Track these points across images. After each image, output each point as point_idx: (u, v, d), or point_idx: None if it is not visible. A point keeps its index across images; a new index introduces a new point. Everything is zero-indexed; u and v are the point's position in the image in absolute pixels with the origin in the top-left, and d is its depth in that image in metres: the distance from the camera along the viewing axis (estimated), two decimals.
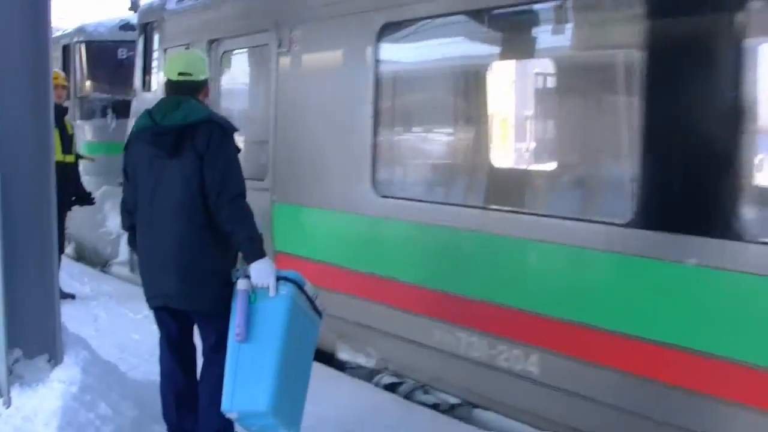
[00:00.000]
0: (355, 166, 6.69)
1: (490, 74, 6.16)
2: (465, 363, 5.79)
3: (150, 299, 5.02)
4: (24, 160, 5.39)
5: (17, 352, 5.39)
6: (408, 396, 6.38)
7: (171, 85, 4.98)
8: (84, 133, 11.94)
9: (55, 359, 5.48)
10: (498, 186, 6.30)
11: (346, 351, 6.99)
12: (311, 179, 7.28)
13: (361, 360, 6.82)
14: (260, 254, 4.74)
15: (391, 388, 6.50)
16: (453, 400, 6.18)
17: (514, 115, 6.87)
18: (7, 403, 5.31)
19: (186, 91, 4.93)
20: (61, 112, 9.28)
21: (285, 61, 7.57)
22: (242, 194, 4.79)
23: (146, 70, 10.05)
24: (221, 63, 8.48)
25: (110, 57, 12.37)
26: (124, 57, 12.18)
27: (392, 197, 6.43)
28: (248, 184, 7.27)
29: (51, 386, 5.28)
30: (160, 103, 4.98)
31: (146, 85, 10.18)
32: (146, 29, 9.94)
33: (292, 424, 4.86)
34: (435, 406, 6.20)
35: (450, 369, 5.96)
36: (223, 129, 4.83)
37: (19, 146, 5.37)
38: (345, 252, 6.91)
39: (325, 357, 6.84)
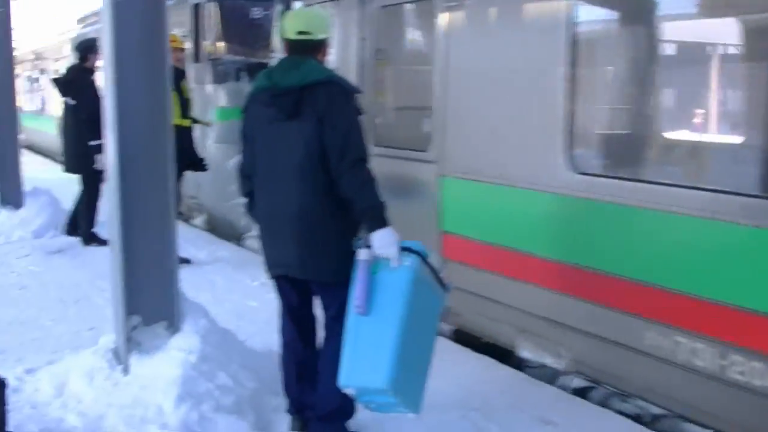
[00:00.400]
0: (545, 138, 5.79)
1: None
2: (685, 373, 4.98)
3: (270, 268, 4.85)
4: (141, 124, 5.29)
5: (136, 319, 5.34)
6: (604, 404, 5.71)
7: (289, 45, 4.78)
8: (216, 97, 11.47)
9: (173, 327, 5.40)
10: (737, 166, 5.42)
11: (528, 349, 6.19)
12: (489, 150, 6.34)
13: (548, 360, 6.03)
14: (382, 223, 4.52)
15: (581, 392, 5.87)
16: (656, 410, 5.40)
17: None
18: (126, 370, 5.25)
19: (305, 50, 4.72)
20: (178, 75, 9.24)
21: (456, 16, 6.58)
22: (364, 159, 4.59)
23: None
24: (376, 20, 7.53)
25: (244, 17, 11.67)
26: (260, 17, 11.58)
27: (592, 174, 5.55)
28: (405, 155, 7.13)
29: (170, 354, 5.19)
30: (279, 64, 4.80)
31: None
32: None
33: (413, 402, 4.63)
34: (637, 417, 5.50)
35: (665, 378, 5.14)
36: (345, 90, 4.63)
37: (136, 110, 5.27)
38: (530, 236, 5.99)
39: (500, 352, 6.42)
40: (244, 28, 11.58)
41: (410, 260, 4.53)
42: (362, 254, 4.54)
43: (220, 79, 11.38)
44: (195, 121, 10.08)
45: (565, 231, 5.72)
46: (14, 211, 11.54)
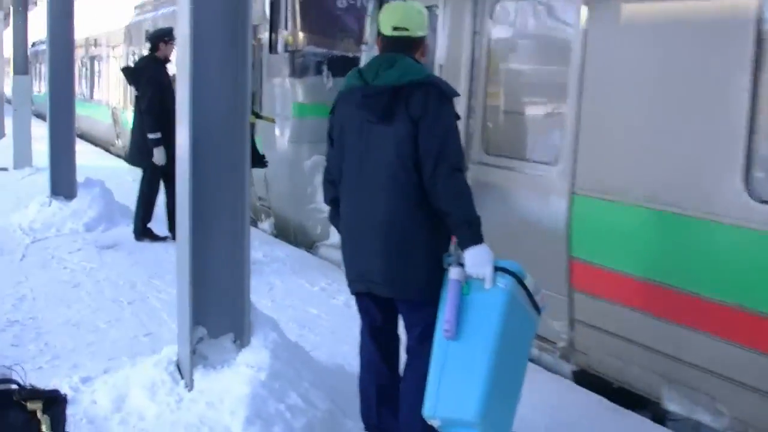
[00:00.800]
0: (717, 156, 4.87)
1: None
2: None
3: (352, 283, 4.48)
4: (217, 117, 4.93)
5: (201, 331, 5.00)
6: None
7: (385, 41, 4.42)
8: (294, 92, 10.64)
9: (241, 340, 5.05)
10: None
11: (677, 402, 5.28)
12: (639, 167, 5.35)
13: (704, 417, 5.11)
14: (477, 239, 4.16)
15: None
16: None
17: None
18: (189, 386, 4.91)
19: (401, 47, 4.35)
20: None
21: (598, 13, 5.67)
22: (460, 168, 4.23)
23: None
24: (492, 15, 6.64)
25: (327, 6, 10.82)
26: (344, 6, 10.75)
27: None
28: (523, 167, 6.23)
29: (237, 370, 4.84)
30: (372, 61, 4.45)
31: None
32: None
33: None
34: None
35: None
36: (442, 92, 4.25)
37: (212, 101, 4.91)
38: (690, 271, 5.05)
39: (641, 402, 5.65)
40: (328, 18, 10.81)
41: (505, 281, 4.18)
42: (453, 273, 4.20)
43: (298, 72, 10.60)
44: (258, 116, 9.70)
45: (738, 269, 4.81)
46: (66, 202, 11.28)
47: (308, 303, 7.82)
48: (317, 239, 10.24)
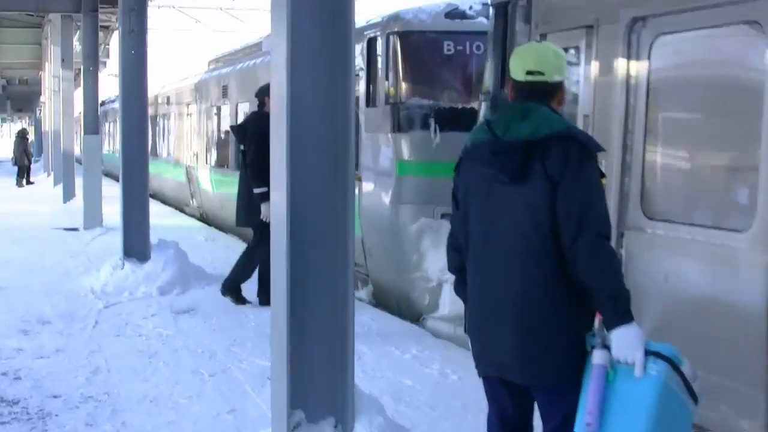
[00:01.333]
0: None
1: None
2: None
3: (480, 365, 3.90)
4: (317, 180, 4.41)
5: (299, 415, 4.44)
6: None
7: (517, 87, 3.87)
8: (397, 149, 9.71)
9: (344, 425, 4.47)
10: None
11: None
12: None
13: None
14: (626, 317, 3.55)
15: None
16: None
17: None
18: None
19: (536, 95, 3.79)
20: None
21: None
22: (606, 235, 3.64)
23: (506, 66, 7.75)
24: (650, 51, 5.62)
25: (434, 52, 9.71)
26: (451, 53, 9.60)
27: None
28: (699, 234, 5.02)
29: None
30: (503, 112, 3.93)
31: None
32: (505, 10, 7.14)
33: None
34: None
35: None
36: (585, 147, 3.67)
37: (312, 164, 4.39)
38: None
39: None
40: (434, 66, 9.82)
41: (658, 368, 3.57)
42: (597, 356, 3.60)
43: (402, 127, 9.63)
44: None
45: None
46: (139, 264, 10.85)
47: (401, 373, 7.19)
48: (425, 311, 9.24)
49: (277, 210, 4.44)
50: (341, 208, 4.46)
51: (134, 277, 10.63)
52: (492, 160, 3.68)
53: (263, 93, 9.58)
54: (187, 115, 19.42)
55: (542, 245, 3.61)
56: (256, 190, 9.21)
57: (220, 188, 16.63)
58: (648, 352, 3.57)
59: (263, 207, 9.08)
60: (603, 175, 3.74)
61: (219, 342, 8.10)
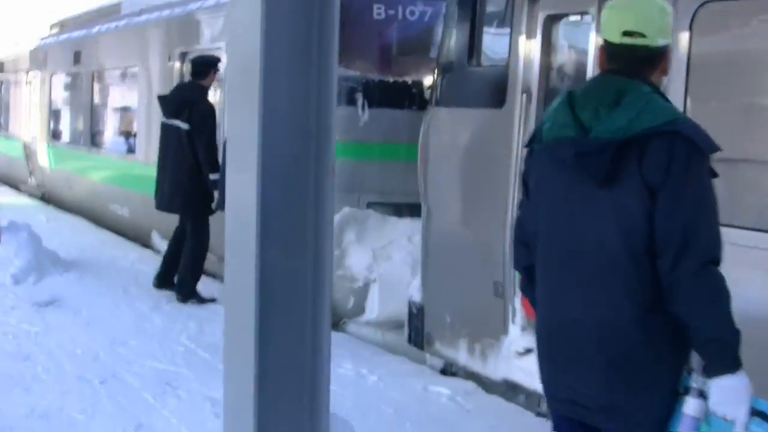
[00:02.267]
0: None
1: None
2: None
3: (551, 399, 3.19)
4: (288, 160, 3.60)
5: None
6: None
7: (610, 52, 3.06)
8: None
9: None
10: None
11: None
12: None
13: None
14: (732, 365, 2.86)
15: None
16: None
17: None
18: None
19: (634, 63, 3.00)
20: None
21: None
22: (716, 262, 2.90)
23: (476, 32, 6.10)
24: (692, 25, 4.60)
25: (363, 19, 8.58)
26: (382, 18, 8.53)
27: None
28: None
29: None
30: (590, 89, 3.06)
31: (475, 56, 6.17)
32: None
33: None
34: None
35: None
36: (694, 147, 2.88)
37: (283, 139, 3.57)
38: None
39: None
40: (361, 32, 8.59)
41: (762, 430, 2.92)
42: (691, 406, 2.92)
43: None
44: None
45: None
46: None
47: (343, 386, 6.30)
48: (346, 315, 8.14)
49: (238, 201, 3.60)
50: (321, 196, 3.67)
51: None
52: (575, 160, 2.92)
53: (208, 64, 8.67)
54: (26, 83, 17.79)
55: (634, 266, 2.88)
56: (213, 177, 8.31)
57: (68, 166, 15.26)
58: (753, 411, 2.95)
59: (217, 195, 8.22)
60: (714, 175, 2.96)
61: (97, 340, 7.13)
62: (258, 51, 3.47)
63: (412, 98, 7.85)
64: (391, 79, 7.99)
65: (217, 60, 8.81)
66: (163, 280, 8.92)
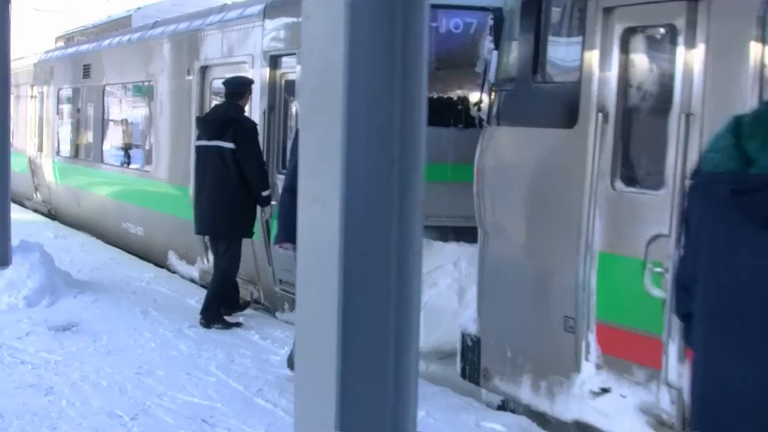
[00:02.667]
0: None
1: None
2: None
3: None
4: (375, 185, 3.21)
5: None
6: None
7: None
8: None
9: None
10: None
11: None
12: None
13: None
14: None
15: None
16: None
17: None
18: None
19: None
20: None
21: None
22: None
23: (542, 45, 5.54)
24: None
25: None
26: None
27: None
28: None
29: None
30: (762, 115, 2.57)
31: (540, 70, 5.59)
32: None
33: None
34: None
35: None
36: None
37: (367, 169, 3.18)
38: None
39: None
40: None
41: None
42: None
43: None
44: None
45: None
46: None
47: None
48: None
49: (318, 221, 3.18)
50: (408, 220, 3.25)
51: None
52: (732, 199, 2.45)
53: (244, 85, 8.29)
54: (31, 97, 17.34)
55: None
56: (264, 193, 8.06)
57: (77, 182, 14.79)
58: None
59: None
60: None
61: (122, 370, 6.67)
62: (341, 70, 3.07)
63: (457, 116, 7.41)
64: (435, 95, 7.56)
65: (251, 80, 8.47)
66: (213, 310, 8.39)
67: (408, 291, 3.23)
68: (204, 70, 9.97)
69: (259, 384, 6.37)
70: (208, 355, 7.13)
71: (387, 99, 3.11)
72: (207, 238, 8.87)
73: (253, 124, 8.23)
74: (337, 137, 2.99)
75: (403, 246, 3.21)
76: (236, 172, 7.95)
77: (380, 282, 3.21)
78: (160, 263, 11.32)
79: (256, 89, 8.64)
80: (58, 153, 15.59)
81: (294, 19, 8.30)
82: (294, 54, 8.15)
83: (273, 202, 8.51)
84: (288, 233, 5.88)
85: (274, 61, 8.59)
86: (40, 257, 9.49)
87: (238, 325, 8.22)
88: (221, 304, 8.31)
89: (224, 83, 8.46)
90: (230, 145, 7.95)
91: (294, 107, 8.52)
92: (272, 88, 8.62)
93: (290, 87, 8.45)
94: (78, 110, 14.73)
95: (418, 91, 3.15)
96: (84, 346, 7.36)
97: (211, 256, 10.03)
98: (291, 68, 8.38)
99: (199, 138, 8.36)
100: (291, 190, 5.58)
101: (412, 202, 3.18)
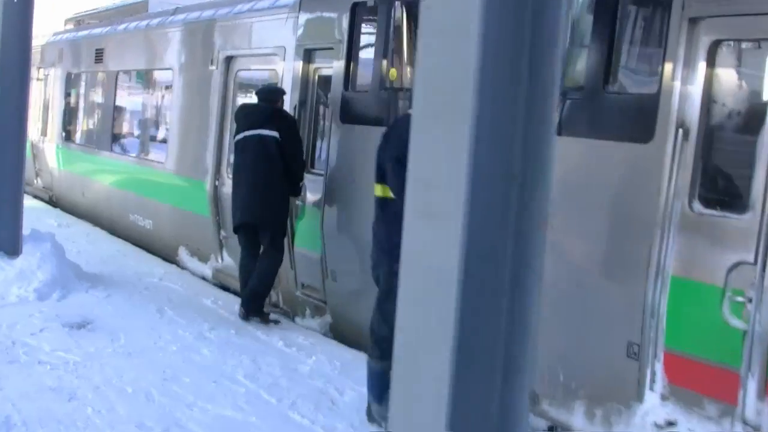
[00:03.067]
0: None
1: None
2: None
3: None
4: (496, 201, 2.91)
5: None
6: None
7: None
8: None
9: None
10: None
11: None
12: None
13: None
14: None
15: None
16: None
17: None
18: None
19: None
20: None
21: None
22: None
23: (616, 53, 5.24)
24: None
25: None
26: None
27: None
28: None
29: None
30: None
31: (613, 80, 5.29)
32: None
33: None
34: None
35: None
36: None
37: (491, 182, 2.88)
38: None
39: None
40: None
41: None
42: None
43: None
44: None
45: None
46: (8, 260, 8.83)
47: None
48: None
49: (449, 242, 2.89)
50: (515, 256, 2.95)
51: (3, 275, 8.62)
52: None
53: (278, 92, 8.22)
54: (36, 79, 16.93)
55: None
56: (301, 184, 8.11)
57: (82, 169, 14.40)
58: None
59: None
60: None
61: (146, 375, 6.37)
62: (470, 69, 2.80)
63: None
64: None
65: (284, 90, 8.31)
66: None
67: (524, 317, 2.94)
68: (229, 60, 9.62)
69: (292, 397, 6.06)
70: (233, 362, 6.81)
71: (511, 106, 2.82)
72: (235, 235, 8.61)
73: (295, 118, 8.20)
74: (463, 145, 2.69)
75: (519, 269, 2.92)
76: (279, 162, 7.85)
77: (493, 308, 2.93)
78: (168, 258, 10.98)
79: (287, 83, 8.37)
80: (63, 138, 15.20)
81: (330, 14, 7.97)
82: (330, 49, 7.81)
83: (298, 202, 8.24)
84: None
85: (308, 55, 8.24)
86: (51, 247, 9.16)
87: (277, 322, 8.15)
88: (266, 297, 8.28)
89: (257, 92, 8.36)
90: (275, 134, 7.83)
91: (323, 105, 8.20)
92: (305, 82, 8.28)
93: (323, 83, 8.10)
94: (87, 96, 14.35)
95: (547, 96, 2.85)
96: (102, 346, 7.04)
97: (226, 255, 9.73)
98: (326, 63, 8.03)
99: (237, 131, 8.19)
100: None
101: (533, 221, 2.88)
